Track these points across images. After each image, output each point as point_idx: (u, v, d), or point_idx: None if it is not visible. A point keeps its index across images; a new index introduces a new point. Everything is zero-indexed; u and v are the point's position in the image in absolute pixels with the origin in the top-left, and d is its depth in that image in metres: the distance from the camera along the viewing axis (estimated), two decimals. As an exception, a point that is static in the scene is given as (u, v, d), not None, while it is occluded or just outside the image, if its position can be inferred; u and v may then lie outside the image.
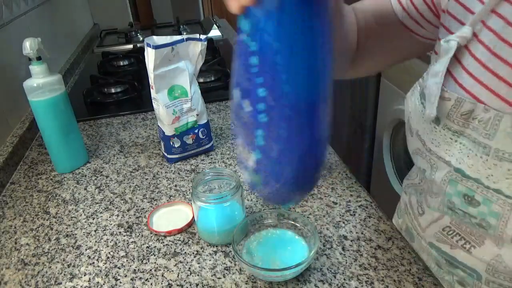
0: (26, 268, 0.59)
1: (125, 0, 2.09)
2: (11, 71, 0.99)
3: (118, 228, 0.65)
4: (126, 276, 0.56)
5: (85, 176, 0.80)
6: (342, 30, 0.49)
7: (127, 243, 0.61)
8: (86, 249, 0.61)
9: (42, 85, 0.73)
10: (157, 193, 0.73)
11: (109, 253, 0.60)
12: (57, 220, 0.68)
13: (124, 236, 0.63)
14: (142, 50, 1.54)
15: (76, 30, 1.73)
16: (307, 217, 0.64)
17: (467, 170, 0.42)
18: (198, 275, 0.55)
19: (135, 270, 0.56)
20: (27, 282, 0.56)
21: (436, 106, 0.42)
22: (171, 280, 0.54)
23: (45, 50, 0.73)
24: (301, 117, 0.34)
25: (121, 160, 0.84)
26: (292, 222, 0.57)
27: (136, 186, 0.75)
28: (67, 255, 0.60)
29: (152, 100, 0.78)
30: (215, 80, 1.24)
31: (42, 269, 0.58)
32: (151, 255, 0.59)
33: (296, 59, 0.33)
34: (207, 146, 0.83)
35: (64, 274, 0.57)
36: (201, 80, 1.23)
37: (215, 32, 1.83)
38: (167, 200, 0.71)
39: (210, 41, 1.53)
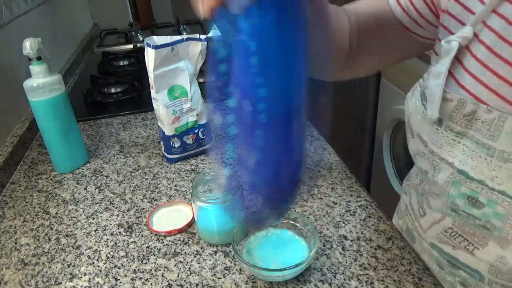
0: (26, 268, 0.59)
1: (125, 0, 2.09)
2: (11, 71, 0.99)
3: (118, 228, 0.65)
4: (126, 276, 0.55)
5: (85, 176, 0.80)
6: (327, 31, 0.49)
7: (127, 243, 0.61)
8: (86, 249, 0.61)
9: (42, 85, 0.73)
10: (157, 193, 0.73)
11: (109, 253, 0.60)
12: (57, 220, 0.68)
13: (124, 236, 0.63)
14: (142, 50, 1.54)
15: (76, 30, 1.73)
16: (307, 217, 0.64)
17: (471, 172, 0.42)
18: (198, 275, 0.55)
19: (135, 270, 0.56)
20: (27, 282, 0.56)
21: (438, 107, 0.42)
22: (171, 280, 0.54)
23: (45, 50, 0.73)
24: (278, 125, 0.34)
25: (121, 160, 0.84)
26: (292, 222, 0.57)
27: (136, 186, 0.75)
28: (67, 255, 0.60)
29: (152, 100, 0.78)
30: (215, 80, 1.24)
31: (42, 269, 0.58)
32: (151, 255, 0.59)
33: (273, 61, 0.32)
34: (207, 146, 0.83)
35: (64, 274, 0.57)
36: (201, 80, 1.23)
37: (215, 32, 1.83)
38: (167, 200, 0.71)
39: (210, 41, 1.53)
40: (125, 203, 0.71)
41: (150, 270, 0.56)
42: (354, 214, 0.64)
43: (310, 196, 0.69)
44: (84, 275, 0.56)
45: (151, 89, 0.76)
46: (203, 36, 0.77)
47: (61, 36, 1.49)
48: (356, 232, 0.60)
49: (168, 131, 0.78)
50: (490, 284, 0.47)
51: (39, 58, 0.72)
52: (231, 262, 0.56)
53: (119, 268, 0.57)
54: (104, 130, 0.99)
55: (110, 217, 0.68)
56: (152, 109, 0.82)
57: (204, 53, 0.78)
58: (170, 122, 0.77)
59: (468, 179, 0.42)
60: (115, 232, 0.64)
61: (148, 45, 0.72)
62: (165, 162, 0.82)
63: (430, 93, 0.43)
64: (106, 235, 0.64)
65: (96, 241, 0.62)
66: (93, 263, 0.58)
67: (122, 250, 0.60)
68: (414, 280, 0.52)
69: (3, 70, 0.96)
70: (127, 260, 0.58)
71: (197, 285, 0.53)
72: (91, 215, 0.68)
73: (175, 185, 0.75)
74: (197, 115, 0.80)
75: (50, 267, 0.58)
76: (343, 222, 0.62)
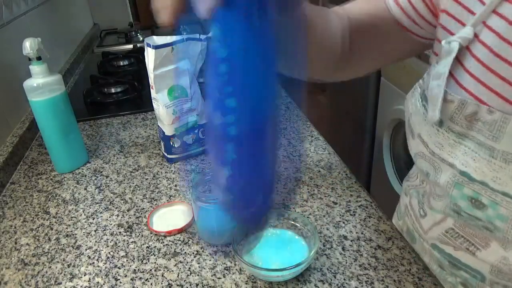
0: (26, 268, 0.59)
1: (125, 0, 2.09)
2: (11, 71, 0.99)
3: (118, 228, 0.65)
4: (126, 276, 0.55)
5: (85, 176, 0.80)
6: (312, 35, 0.48)
7: (127, 243, 0.61)
8: (86, 249, 0.61)
9: (42, 85, 0.73)
10: (157, 193, 0.73)
11: (109, 253, 0.60)
12: (57, 220, 0.68)
13: (124, 236, 0.63)
14: (142, 50, 1.54)
15: (76, 30, 1.73)
16: (307, 217, 0.64)
17: (473, 173, 0.41)
18: (198, 275, 0.55)
19: (135, 270, 0.56)
20: (27, 282, 0.56)
21: (439, 109, 0.41)
22: (171, 280, 0.54)
23: (45, 50, 0.73)
24: (249, 138, 0.32)
25: (121, 160, 0.84)
26: (292, 222, 0.57)
27: (136, 186, 0.75)
28: (67, 255, 0.60)
29: (152, 100, 0.78)
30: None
31: (42, 269, 0.58)
32: (151, 255, 0.59)
33: (242, 68, 0.30)
34: (207, 146, 0.83)
35: (64, 274, 0.57)
36: (201, 80, 1.23)
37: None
38: (167, 200, 0.71)
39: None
40: (125, 203, 0.71)
41: (150, 270, 0.56)
42: (354, 214, 0.64)
43: (310, 196, 0.69)
44: (84, 275, 0.56)
45: (151, 89, 0.76)
46: (203, 36, 0.77)
47: (61, 36, 1.49)
48: (356, 232, 0.60)
49: (168, 131, 0.78)
50: (491, 285, 0.47)
51: (39, 58, 0.72)
52: (231, 262, 0.56)
53: (119, 268, 0.57)
54: (104, 130, 0.99)
55: (110, 217, 0.68)
56: (152, 109, 0.82)
57: (204, 53, 0.78)
58: (170, 122, 0.77)
59: (470, 181, 0.42)
60: (115, 232, 0.64)
61: (148, 45, 0.72)
62: (165, 162, 0.82)
63: (431, 94, 0.42)
64: (106, 235, 0.64)
65: (96, 241, 0.62)
66: (93, 263, 0.58)
67: (122, 250, 0.60)
68: (414, 280, 0.52)
69: (3, 70, 0.96)
70: (127, 260, 0.58)
71: (197, 285, 0.53)
72: (91, 215, 0.68)
73: (175, 185, 0.75)
74: (198, 115, 0.80)
75: (50, 267, 0.58)
76: (343, 222, 0.62)
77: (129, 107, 1.10)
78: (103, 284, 0.54)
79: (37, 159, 0.88)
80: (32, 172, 0.83)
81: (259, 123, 0.32)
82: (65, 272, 0.57)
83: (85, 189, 0.76)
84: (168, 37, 0.74)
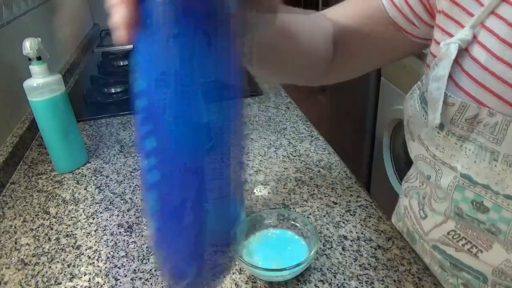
0: (26, 268, 0.59)
1: (125, 0, 2.09)
2: (11, 71, 0.99)
3: (118, 228, 0.65)
4: (126, 276, 0.56)
5: (85, 176, 0.80)
6: (295, 44, 0.46)
7: (127, 243, 0.61)
8: (86, 249, 0.61)
9: (42, 85, 0.73)
10: (157, 193, 0.73)
11: (109, 253, 0.60)
12: (57, 220, 0.68)
13: (124, 236, 0.63)
14: (142, 50, 1.53)
15: (76, 30, 1.73)
16: (307, 217, 0.64)
17: (475, 176, 0.41)
18: (198, 275, 0.55)
19: (135, 270, 0.56)
20: (27, 282, 0.56)
21: (440, 112, 0.41)
22: (171, 280, 0.54)
23: (45, 50, 0.73)
24: (173, 186, 0.26)
25: (121, 160, 0.84)
26: (292, 222, 0.57)
27: (136, 186, 0.75)
28: (67, 255, 0.60)
29: (152, 100, 0.78)
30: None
31: (42, 269, 0.58)
32: (151, 255, 0.59)
33: (163, 101, 0.25)
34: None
35: (64, 274, 0.57)
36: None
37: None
38: (167, 200, 0.71)
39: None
40: (125, 203, 0.71)
41: (150, 270, 0.56)
42: (354, 214, 0.64)
43: (310, 196, 0.69)
44: (84, 275, 0.56)
45: (151, 89, 0.76)
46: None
47: (61, 36, 1.49)
48: (356, 232, 0.60)
49: (168, 131, 0.78)
50: (493, 286, 0.47)
51: (39, 58, 0.72)
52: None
53: (119, 268, 0.57)
54: (104, 130, 0.99)
55: (110, 217, 0.68)
56: (152, 109, 0.82)
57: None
58: (170, 122, 0.77)
59: (472, 183, 0.42)
60: (115, 232, 0.64)
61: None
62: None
63: (431, 97, 0.42)
64: (106, 235, 0.64)
65: (96, 241, 0.62)
66: (93, 263, 0.58)
67: (122, 250, 0.60)
68: (414, 280, 0.52)
69: (3, 70, 0.96)
70: (127, 260, 0.58)
71: (197, 285, 0.53)
72: (91, 215, 0.68)
73: (175, 185, 0.75)
74: (197, 115, 0.80)
75: (50, 267, 0.58)
76: (343, 222, 0.62)
77: (129, 107, 1.10)
78: (103, 284, 0.54)
79: (37, 159, 0.88)
80: (32, 172, 0.83)
81: (187, 166, 0.26)
82: (65, 272, 0.57)
83: (85, 189, 0.76)
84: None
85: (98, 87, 1.22)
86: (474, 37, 0.39)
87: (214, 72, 0.25)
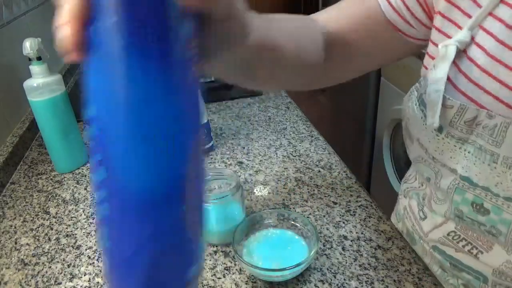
0: (26, 268, 0.59)
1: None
2: (11, 71, 0.99)
3: (118, 228, 0.65)
4: (126, 276, 0.55)
5: (85, 176, 0.80)
6: (282, 53, 0.44)
7: (127, 243, 0.61)
8: (86, 249, 0.61)
9: (42, 85, 0.73)
10: (157, 193, 0.73)
11: (109, 253, 0.60)
12: (57, 220, 0.68)
13: (124, 236, 0.63)
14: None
15: (76, 30, 1.73)
16: (307, 217, 0.64)
17: (475, 178, 0.41)
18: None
19: (135, 270, 0.56)
20: (27, 282, 0.56)
21: (439, 115, 0.41)
22: (171, 280, 0.54)
23: (45, 50, 0.73)
24: (124, 221, 0.24)
25: (121, 160, 0.84)
26: (292, 222, 0.57)
27: (136, 186, 0.75)
28: (67, 255, 0.60)
29: (152, 100, 0.78)
30: (215, 80, 1.24)
31: (42, 269, 0.58)
32: (151, 255, 0.59)
33: (115, 130, 0.23)
34: (207, 146, 0.83)
35: (64, 274, 0.57)
36: (201, 80, 1.23)
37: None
38: (167, 200, 0.71)
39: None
40: (125, 203, 0.71)
41: (150, 270, 0.56)
42: (354, 214, 0.64)
43: (310, 196, 0.69)
44: (84, 275, 0.56)
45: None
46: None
47: (61, 36, 1.49)
48: (356, 232, 0.60)
49: (168, 131, 0.78)
50: (494, 286, 0.47)
51: (39, 58, 0.72)
52: (231, 262, 0.56)
53: (119, 268, 0.57)
54: (104, 130, 0.99)
55: (110, 217, 0.68)
56: (152, 109, 0.82)
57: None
58: (170, 122, 0.77)
59: (472, 186, 0.42)
60: (115, 232, 0.64)
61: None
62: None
63: (429, 99, 0.42)
64: (106, 235, 0.64)
65: (96, 241, 0.62)
66: (93, 263, 0.58)
67: (122, 250, 0.60)
68: (414, 280, 0.52)
69: (3, 70, 0.96)
70: (127, 260, 0.58)
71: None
72: (91, 215, 0.68)
73: (175, 185, 0.75)
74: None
75: (50, 267, 0.58)
76: (343, 222, 0.62)
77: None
78: (103, 284, 0.54)
79: (37, 159, 0.88)
80: (32, 172, 0.83)
81: (138, 205, 0.24)
82: (65, 272, 0.57)
83: (85, 189, 0.76)
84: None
85: (98, 87, 1.22)
86: (472, 38, 0.39)
87: (167, 101, 0.23)
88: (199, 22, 0.26)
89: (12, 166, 0.84)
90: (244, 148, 0.85)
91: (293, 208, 0.66)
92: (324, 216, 0.64)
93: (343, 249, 0.57)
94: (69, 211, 0.70)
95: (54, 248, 0.62)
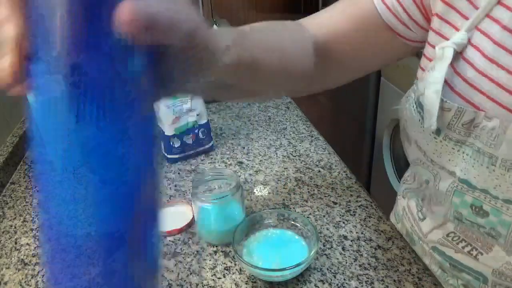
0: (26, 268, 0.59)
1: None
2: (11, 71, 0.99)
3: (118, 228, 0.65)
4: (126, 276, 0.55)
5: (85, 176, 0.80)
6: (269, 64, 0.42)
7: (127, 243, 0.61)
8: (86, 249, 0.61)
9: (42, 85, 0.73)
10: (157, 193, 0.73)
11: (109, 253, 0.60)
12: (57, 220, 0.68)
13: (124, 236, 0.63)
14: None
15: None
16: (307, 217, 0.64)
17: (473, 181, 0.41)
18: (198, 275, 0.55)
19: (135, 270, 0.56)
20: (27, 282, 0.56)
21: (436, 118, 0.40)
22: (171, 280, 0.54)
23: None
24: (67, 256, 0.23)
25: (121, 160, 0.84)
26: (292, 222, 0.57)
27: (136, 186, 0.75)
28: (67, 255, 0.60)
29: (152, 100, 0.78)
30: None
31: (42, 269, 0.58)
32: (151, 255, 0.59)
33: (60, 161, 0.22)
34: (207, 146, 0.83)
35: (64, 274, 0.57)
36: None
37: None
38: (167, 200, 0.71)
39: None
40: (125, 203, 0.71)
41: (150, 270, 0.56)
42: (354, 214, 0.64)
43: (310, 196, 0.69)
44: (84, 275, 0.56)
45: (151, 89, 0.76)
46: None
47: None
48: (356, 232, 0.60)
49: (168, 131, 0.78)
50: (493, 286, 0.47)
51: (39, 58, 0.72)
52: (231, 262, 0.56)
53: (119, 268, 0.57)
54: (104, 130, 0.99)
55: (110, 217, 0.68)
56: (152, 109, 0.82)
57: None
58: (170, 122, 0.77)
59: (471, 188, 0.42)
60: (115, 232, 0.64)
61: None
62: (165, 162, 0.82)
63: (427, 102, 0.41)
64: (106, 235, 0.64)
65: (96, 241, 0.62)
66: (93, 263, 0.58)
67: (122, 250, 0.60)
68: (414, 280, 0.52)
69: (3, 70, 0.96)
70: (127, 260, 0.58)
71: (197, 285, 0.53)
72: (91, 215, 0.68)
73: (175, 185, 0.75)
74: (197, 115, 0.80)
75: (50, 267, 0.58)
76: (343, 222, 0.62)
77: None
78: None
79: (37, 159, 0.88)
80: (32, 172, 0.83)
81: (76, 253, 0.23)
82: (65, 272, 0.57)
83: (85, 189, 0.76)
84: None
85: (98, 87, 1.22)
86: (469, 40, 0.39)
87: (108, 148, 0.22)
88: (158, 54, 0.25)
89: (12, 166, 0.84)
90: (244, 148, 0.85)
91: (293, 208, 0.66)
92: (324, 216, 0.64)
93: (343, 249, 0.57)
94: (69, 211, 0.70)
95: (54, 248, 0.62)
